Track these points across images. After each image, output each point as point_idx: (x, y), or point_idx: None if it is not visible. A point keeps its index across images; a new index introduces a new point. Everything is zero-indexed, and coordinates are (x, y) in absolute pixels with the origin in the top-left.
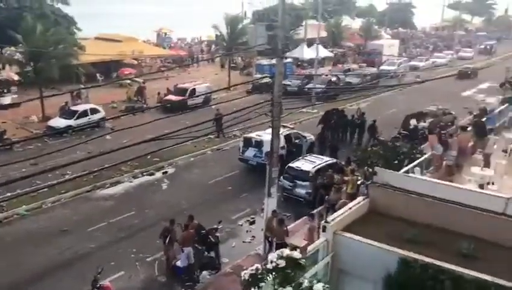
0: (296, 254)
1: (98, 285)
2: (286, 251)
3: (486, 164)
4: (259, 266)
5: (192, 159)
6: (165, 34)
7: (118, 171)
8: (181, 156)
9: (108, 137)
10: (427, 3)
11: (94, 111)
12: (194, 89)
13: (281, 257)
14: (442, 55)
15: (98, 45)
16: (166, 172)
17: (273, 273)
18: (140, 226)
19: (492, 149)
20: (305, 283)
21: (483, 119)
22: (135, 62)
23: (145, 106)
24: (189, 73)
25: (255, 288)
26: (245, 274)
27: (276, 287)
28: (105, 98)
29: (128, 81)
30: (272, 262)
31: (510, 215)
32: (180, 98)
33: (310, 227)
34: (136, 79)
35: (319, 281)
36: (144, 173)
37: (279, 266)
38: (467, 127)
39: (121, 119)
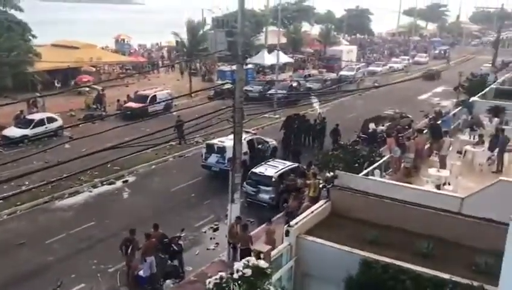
0: (262, 263)
1: None
2: (252, 260)
3: (442, 165)
4: (223, 274)
5: (153, 166)
6: (124, 40)
7: (77, 181)
8: (142, 164)
9: (66, 146)
10: (384, 9)
11: (51, 120)
12: (155, 95)
13: (247, 266)
14: (399, 60)
15: (55, 52)
16: (126, 181)
17: (239, 282)
18: (100, 236)
19: (448, 151)
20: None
21: (439, 122)
22: (93, 69)
23: (104, 113)
24: (149, 80)
25: None
26: (209, 283)
27: None
28: (63, 107)
29: (87, 89)
30: (238, 271)
31: (465, 214)
32: (141, 105)
33: (267, 231)
34: (95, 86)
35: (282, 288)
36: (104, 182)
37: (246, 275)
38: (423, 129)
39: (80, 127)
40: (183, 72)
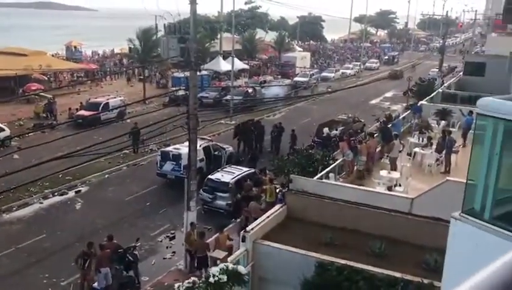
0: (241, 269)
1: None
2: (231, 265)
3: (393, 167)
4: (196, 279)
5: (107, 176)
6: (75, 47)
7: (26, 192)
8: (95, 174)
9: (15, 156)
10: (335, 17)
11: None
12: (108, 103)
13: (224, 272)
14: (351, 66)
15: (1, 59)
16: (79, 191)
17: (212, 287)
18: (52, 249)
19: (398, 153)
20: None
21: (389, 125)
22: (45, 77)
23: (55, 122)
24: (102, 87)
25: None
26: (179, 287)
27: None
28: (10, 116)
29: (37, 97)
30: (213, 276)
31: (415, 214)
32: (93, 113)
33: (216, 238)
34: (45, 94)
35: None
36: (55, 193)
37: (221, 281)
38: (375, 133)
39: (29, 137)
40: (130, 79)
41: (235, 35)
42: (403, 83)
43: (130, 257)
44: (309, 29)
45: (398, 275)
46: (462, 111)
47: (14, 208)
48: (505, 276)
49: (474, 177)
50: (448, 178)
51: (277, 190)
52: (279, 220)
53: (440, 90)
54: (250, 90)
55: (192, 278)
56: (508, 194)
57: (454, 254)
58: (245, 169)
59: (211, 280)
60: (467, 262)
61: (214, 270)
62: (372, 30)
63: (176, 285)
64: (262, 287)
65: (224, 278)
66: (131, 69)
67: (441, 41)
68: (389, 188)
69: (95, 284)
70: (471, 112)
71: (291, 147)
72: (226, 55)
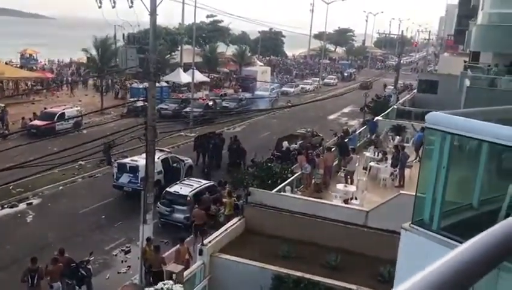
0: (178, 288)
1: None
2: (168, 284)
3: (351, 181)
4: None
5: (61, 187)
6: (30, 55)
7: None
8: (48, 185)
9: None
10: (296, 32)
11: None
12: (63, 113)
13: None
14: (310, 81)
15: None
16: (31, 203)
17: None
18: (0, 264)
19: (355, 166)
20: None
21: (346, 140)
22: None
23: (6, 132)
24: (58, 97)
25: None
26: None
27: None
28: None
29: None
30: None
31: (370, 226)
32: (47, 122)
33: (177, 250)
34: None
35: None
36: (5, 205)
37: None
38: (332, 147)
39: None
40: (73, 89)
41: (196, 48)
42: (359, 99)
43: (83, 272)
44: (270, 44)
45: (353, 287)
46: (414, 126)
47: None
48: (434, 277)
49: (423, 189)
50: (401, 191)
51: (235, 203)
52: (238, 233)
53: (395, 106)
54: (210, 102)
55: None
56: (454, 206)
57: (405, 263)
58: (204, 181)
59: None
60: (416, 271)
61: (157, 288)
62: (331, 47)
63: None
64: None
65: None
66: (88, 79)
67: (397, 60)
68: (346, 201)
69: None
70: (423, 128)
71: (238, 161)
72: (186, 68)
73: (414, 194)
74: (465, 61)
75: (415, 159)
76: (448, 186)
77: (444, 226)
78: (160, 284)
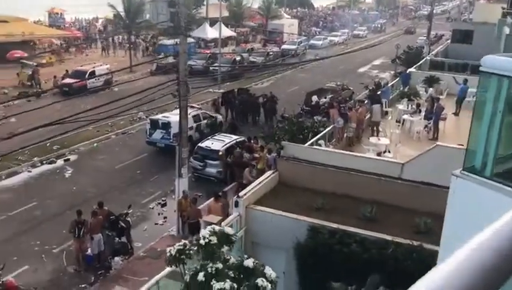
0: (229, 230)
1: (0, 282)
2: (217, 227)
3: (377, 132)
4: (187, 242)
5: (95, 144)
6: (58, 14)
7: (15, 161)
8: (83, 142)
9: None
10: None
11: None
12: (94, 71)
13: (213, 233)
14: (339, 34)
15: None
16: (68, 159)
17: (202, 249)
18: (43, 217)
19: (379, 117)
20: (232, 259)
21: (378, 92)
22: (38, 43)
23: (40, 90)
24: (87, 55)
25: (179, 264)
26: (171, 250)
27: (202, 262)
28: None
29: (21, 65)
30: (204, 238)
31: (405, 179)
32: (79, 80)
33: (224, 204)
34: (28, 62)
35: (249, 256)
36: (44, 162)
37: (212, 242)
38: (364, 100)
39: (15, 105)
40: (104, 49)
41: (221, 2)
42: (390, 51)
43: (122, 224)
44: None
45: (389, 238)
46: (455, 79)
47: (3, 177)
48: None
49: (475, 135)
50: (438, 143)
51: (267, 157)
52: (271, 186)
53: (428, 58)
54: (237, 58)
55: (183, 241)
56: (509, 151)
57: (455, 211)
58: (235, 137)
59: (202, 242)
60: (467, 218)
61: (204, 232)
62: None
63: (168, 249)
64: (255, 252)
65: (214, 239)
66: (116, 36)
67: (429, 9)
68: (379, 154)
69: (88, 251)
70: (466, 80)
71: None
72: (212, 22)
73: (451, 146)
74: (503, 8)
75: (456, 111)
76: (504, 131)
77: (498, 172)
78: (210, 227)
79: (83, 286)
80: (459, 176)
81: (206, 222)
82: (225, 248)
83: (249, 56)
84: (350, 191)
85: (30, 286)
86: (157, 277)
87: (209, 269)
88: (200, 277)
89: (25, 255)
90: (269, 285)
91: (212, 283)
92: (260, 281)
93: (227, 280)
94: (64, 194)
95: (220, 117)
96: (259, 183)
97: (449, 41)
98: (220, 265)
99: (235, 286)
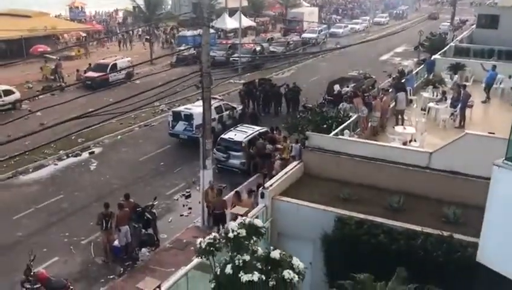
0: (258, 222)
1: (32, 273)
2: (247, 219)
3: (402, 120)
4: (216, 235)
5: (119, 137)
6: (79, 7)
7: (41, 154)
8: (107, 135)
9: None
10: None
11: (8, 92)
12: (115, 64)
13: (242, 226)
14: (360, 21)
15: (4, 21)
16: (93, 152)
17: (232, 242)
18: (70, 209)
19: (404, 106)
20: (260, 251)
21: (403, 80)
22: (67, 36)
23: (63, 84)
24: (108, 48)
25: (209, 256)
26: (201, 243)
27: (231, 254)
28: (18, 78)
29: (45, 60)
30: (232, 231)
31: (434, 168)
32: (101, 74)
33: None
34: (51, 56)
35: (275, 248)
36: (70, 155)
37: (240, 235)
38: (388, 89)
39: (39, 99)
40: (120, 42)
41: None
42: (413, 38)
43: (148, 215)
44: None
45: (417, 228)
46: (483, 66)
47: (31, 170)
48: None
49: None
50: (467, 131)
51: (290, 148)
52: (297, 177)
53: (452, 44)
54: (258, 48)
55: (214, 234)
56: None
57: (497, 200)
58: (257, 128)
59: (230, 235)
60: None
61: (233, 225)
62: None
63: (198, 240)
64: (281, 243)
65: (243, 232)
66: (136, 29)
67: None
68: (404, 144)
69: (115, 243)
70: (494, 66)
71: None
72: (231, 13)
73: (482, 134)
74: None
75: (486, 99)
76: None
77: None
78: (239, 219)
79: (111, 277)
80: (501, 166)
81: (233, 213)
82: (253, 240)
83: (269, 46)
84: (376, 181)
85: (61, 277)
86: (186, 268)
87: (237, 262)
88: (228, 269)
89: (55, 247)
90: (296, 276)
91: (240, 275)
92: (287, 273)
93: (255, 272)
94: (90, 187)
95: (241, 108)
96: (285, 174)
97: (474, 26)
98: (247, 257)
99: (263, 277)
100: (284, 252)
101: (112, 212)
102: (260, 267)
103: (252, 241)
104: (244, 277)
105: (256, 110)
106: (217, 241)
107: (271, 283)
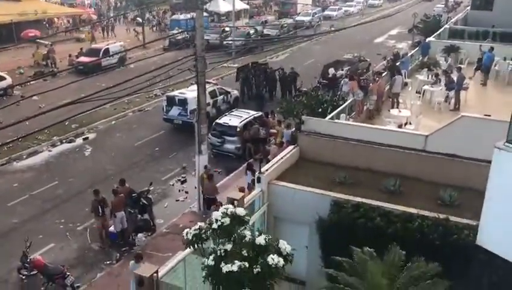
0: (241, 211)
1: (28, 259)
2: (230, 208)
3: (397, 103)
4: (202, 224)
5: (113, 122)
6: None
7: (35, 140)
8: (101, 120)
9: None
10: None
11: None
12: (108, 48)
13: (225, 215)
14: (354, 3)
15: None
16: (87, 138)
17: (218, 231)
18: (65, 195)
19: (399, 89)
20: (248, 237)
21: (397, 63)
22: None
23: (55, 69)
24: (99, 33)
25: (197, 246)
26: (188, 234)
27: (219, 242)
28: (9, 64)
29: (36, 45)
30: (216, 221)
31: (430, 151)
32: (94, 59)
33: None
34: (43, 41)
35: (260, 233)
36: (63, 141)
37: (224, 224)
38: (383, 72)
39: (31, 85)
40: (104, 29)
41: None
42: (407, 20)
43: (144, 201)
44: None
45: (414, 211)
46: (481, 48)
47: (24, 156)
48: None
49: None
50: (463, 114)
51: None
52: (293, 161)
53: (447, 26)
54: (252, 31)
55: (199, 224)
56: None
57: (498, 183)
58: (252, 112)
59: (214, 225)
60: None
61: (217, 215)
62: None
63: (185, 231)
64: (277, 227)
65: (227, 220)
66: (127, 13)
67: None
68: (400, 127)
69: (111, 228)
70: (492, 48)
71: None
72: None
73: (478, 116)
74: None
75: (484, 81)
76: None
77: None
78: (222, 208)
79: (108, 262)
80: (502, 148)
81: (229, 198)
82: (240, 228)
83: (263, 29)
84: (372, 164)
85: (57, 263)
86: (183, 253)
87: (218, 252)
88: (210, 260)
89: (50, 233)
90: (281, 260)
91: (221, 265)
92: (270, 259)
93: (236, 262)
94: (85, 173)
95: (235, 92)
96: (281, 158)
97: (468, 8)
98: (229, 246)
99: (247, 265)
100: (270, 237)
101: (105, 198)
102: (246, 254)
103: (241, 228)
104: (224, 268)
105: (261, 91)
106: (203, 231)
107: (255, 270)
